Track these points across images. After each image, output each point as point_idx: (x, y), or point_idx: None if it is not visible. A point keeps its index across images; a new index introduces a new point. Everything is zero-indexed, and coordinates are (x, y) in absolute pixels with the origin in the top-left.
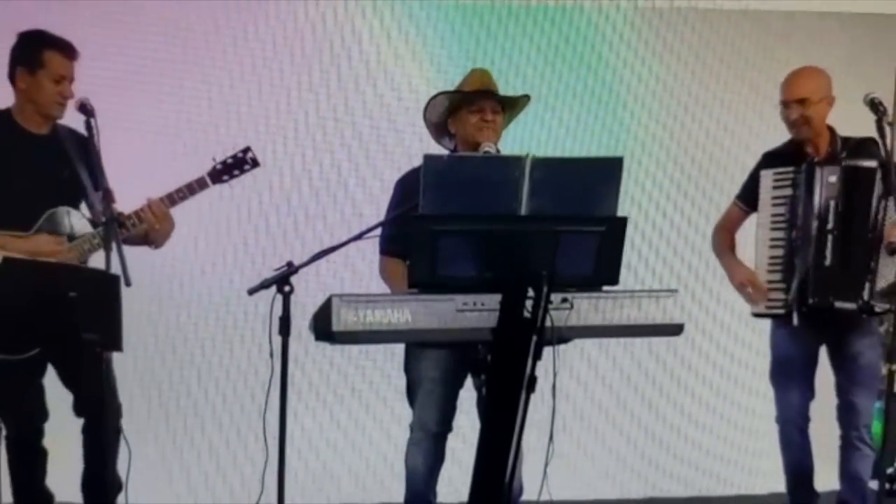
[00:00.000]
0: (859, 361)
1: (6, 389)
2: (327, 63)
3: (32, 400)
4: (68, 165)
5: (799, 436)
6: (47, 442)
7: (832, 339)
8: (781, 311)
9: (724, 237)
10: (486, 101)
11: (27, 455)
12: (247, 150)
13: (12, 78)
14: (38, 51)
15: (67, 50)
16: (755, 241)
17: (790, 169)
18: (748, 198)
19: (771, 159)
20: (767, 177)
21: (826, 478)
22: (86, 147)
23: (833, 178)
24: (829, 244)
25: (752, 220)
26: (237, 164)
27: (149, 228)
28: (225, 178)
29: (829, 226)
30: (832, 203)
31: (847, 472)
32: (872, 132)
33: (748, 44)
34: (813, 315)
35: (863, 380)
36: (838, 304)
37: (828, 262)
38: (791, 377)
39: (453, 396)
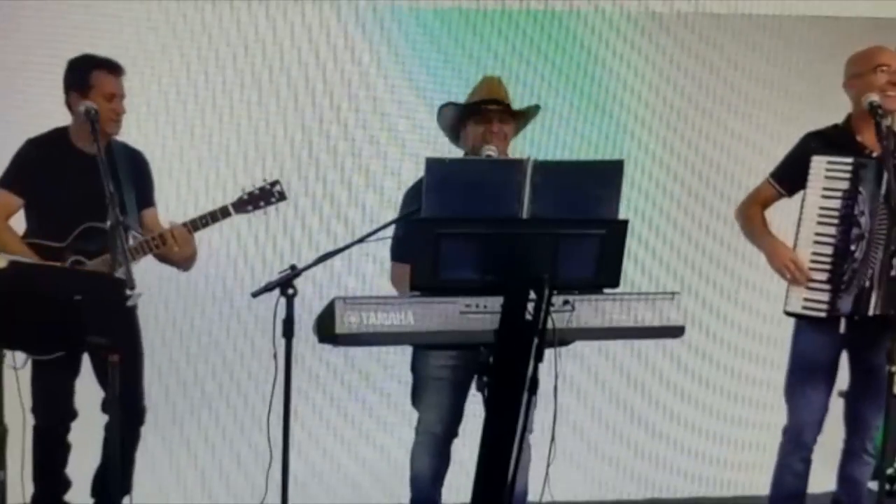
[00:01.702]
0: (878, 375)
1: (40, 386)
2: (331, 68)
3: (63, 399)
4: (115, 183)
5: (801, 465)
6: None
7: (856, 345)
8: (822, 315)
9: (757, 212)
10: (492, 111)
11: (52, 447)
12: (275, 183)
13: (68, 103)
14: (86, 73)
15: (113, 68)
16: (798, 232)
17: (849, 160)
18: (786, 179)
19: (817, 142)
20: (820, 164)
21: (822, 479)
22: (137, 163)
23: None
24: None
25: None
26: (263, 196)
27: (168, 251)
28: (249, 208)
29: None
30: None
31: (847, 476)
32: None
33: (748, 46)
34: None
35: (877, 394)
36: None
37: (895, 271)
38: (815, 384)
39: (461, 398)
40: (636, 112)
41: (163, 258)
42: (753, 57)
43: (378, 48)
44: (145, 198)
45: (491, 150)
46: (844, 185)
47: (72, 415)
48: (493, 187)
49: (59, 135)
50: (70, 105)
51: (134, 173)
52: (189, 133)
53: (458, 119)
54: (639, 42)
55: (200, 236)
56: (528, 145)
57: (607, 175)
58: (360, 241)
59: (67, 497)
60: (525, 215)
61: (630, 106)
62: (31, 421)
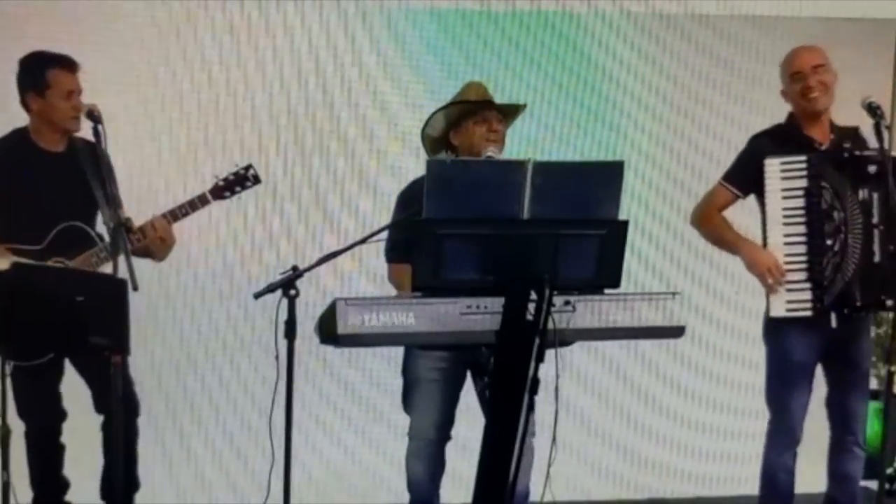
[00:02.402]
0: (860, 367)
1: (25, 393)
2: (329, 69)
3: (50, 403)
4: (83, 181)
5: (792, 462)
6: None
7: (835, 342)
8: (808, 314)
9: (719, 219)
10: (490, 112)
11: (45, 450)
12: (248, 167)
13: (25, 103)
14: (41, 72)
15: (69, 64)
16: (764, 237)
17: (803, 158)
18: (740, 181)
19: (767, 142)
20: (774, 166)
21: (814, 479)
22: (100, 158)
23: (873, 169)
24: (877, 239)
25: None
26: (238, 181)
27: (150, 244)
28: (226, 194)
29: (875, 220)
30: (875, 196)
31: (839, 472)
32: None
33: (744, 46)
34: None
35: (862, 385)
36: (890, 303)
37: (877, 258)
38: (801, 385)
39: (453, 399)
40: (632, 112)
41: (139, 251)
42: (745, 62)
43: (381, 47)
44: (111, 195)
45: (492, 152)
46: (803, 182)
47: (62, 416)
48: (493, 188)
49: (20, 136)
50: (27, 105)
51: (100, 170)
52: (178, 130)
53: (451, 124)
54: (631, 46)
55: (204, 240)
56: (529, 146)
57: (607, 176)
58: (362, 241)
59: (68, 497)
60: (526, 216)
61: (626, 106)
62: (23, 426)
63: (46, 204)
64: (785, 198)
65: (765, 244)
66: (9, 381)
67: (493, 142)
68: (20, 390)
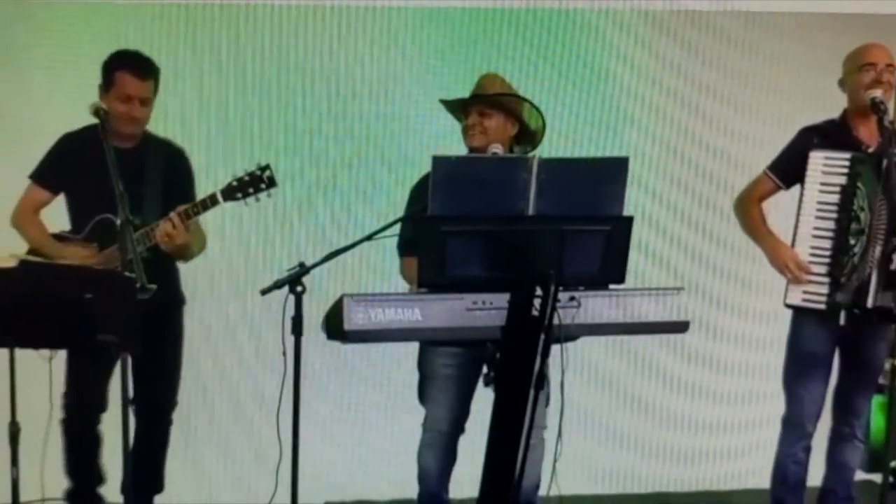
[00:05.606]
0: (872, 365)
1: (74, 373)
2: (339, 66)
3: (94, 389)
4: (140, 180)
5: (803, 454)
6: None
7: (851, 337)
8: (822, 307)
9: (756, 211)
10: (472, 105)
11: (81, 437)
12: (265, 168)
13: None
14: (111, 71)
15: (138, 69)
16: (796, 227)
17: (847, 156)
18: (784, 173)
19: (814, 137)
20: (817, 159)
21: (816, 475)
22: (171, 161)
23: None
24: None
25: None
26: (252, 183)
27: (159, 241)
28: (238, 195)
29: None
30: None
31: (836, 460)
32: None
33: (749, 43)
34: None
35: (870, 384)
36: None
37: (894, 265)
38: (814, 374)
39: (467, 395)
40: (643, 101)
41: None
42: (750, 58)
43: (387, 47)
44: (177, 195)
45: (497, 149)
46: (842, 180)
47: (102, 406)
48: (499, 185)
49: (92, 130)
50: (101, 100)
51: (166, 171)
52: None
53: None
54: (637, 40)
55: (211, 237)
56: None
57: (612, 172)
58: (369, 237)
59: (104, 494)
60: (531, 212)
61: (638, 94)
62: (57, 415)
63: (94, 195)
64: (822, 191)
65: (795, 233)
66: (17, 379)
67: (469, 134)
68: (71, 372)
